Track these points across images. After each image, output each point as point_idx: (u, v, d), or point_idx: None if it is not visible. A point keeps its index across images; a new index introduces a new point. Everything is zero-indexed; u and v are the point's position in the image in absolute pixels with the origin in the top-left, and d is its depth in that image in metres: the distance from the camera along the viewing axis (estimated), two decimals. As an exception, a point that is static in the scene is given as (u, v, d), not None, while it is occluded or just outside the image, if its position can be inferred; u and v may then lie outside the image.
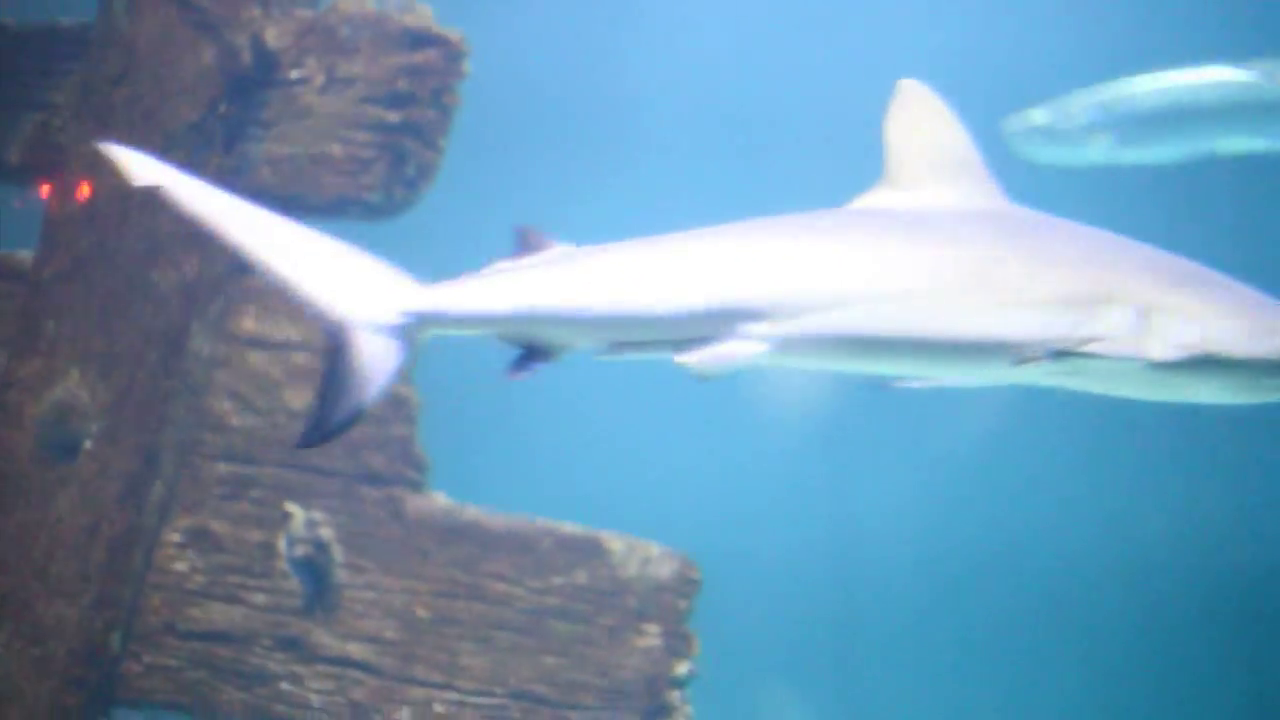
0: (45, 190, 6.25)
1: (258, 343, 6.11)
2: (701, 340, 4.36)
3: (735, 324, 4.35)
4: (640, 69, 11.92)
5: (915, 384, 4.66)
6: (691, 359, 4.34)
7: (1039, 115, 10.23)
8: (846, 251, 4.42)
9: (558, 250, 4.57)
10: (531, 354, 4.49)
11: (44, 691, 5.90)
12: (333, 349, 4.51)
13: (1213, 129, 9.66)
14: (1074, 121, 9.99)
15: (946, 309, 4.31)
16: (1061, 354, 4.23)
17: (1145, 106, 9.78)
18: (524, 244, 4.60)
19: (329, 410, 4.50)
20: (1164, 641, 10.55)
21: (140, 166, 4.64)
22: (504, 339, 4.52)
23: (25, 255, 6.28)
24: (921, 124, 4.68)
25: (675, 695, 5.78)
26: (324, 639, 5.95)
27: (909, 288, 4.33)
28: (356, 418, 4.53)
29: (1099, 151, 10.06)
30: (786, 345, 4.34)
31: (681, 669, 5.79)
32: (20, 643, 5.93)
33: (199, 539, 6.07)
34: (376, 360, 4.49)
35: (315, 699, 5.94)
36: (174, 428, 6.06)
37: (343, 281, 4.52)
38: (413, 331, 4.51)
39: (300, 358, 6.05)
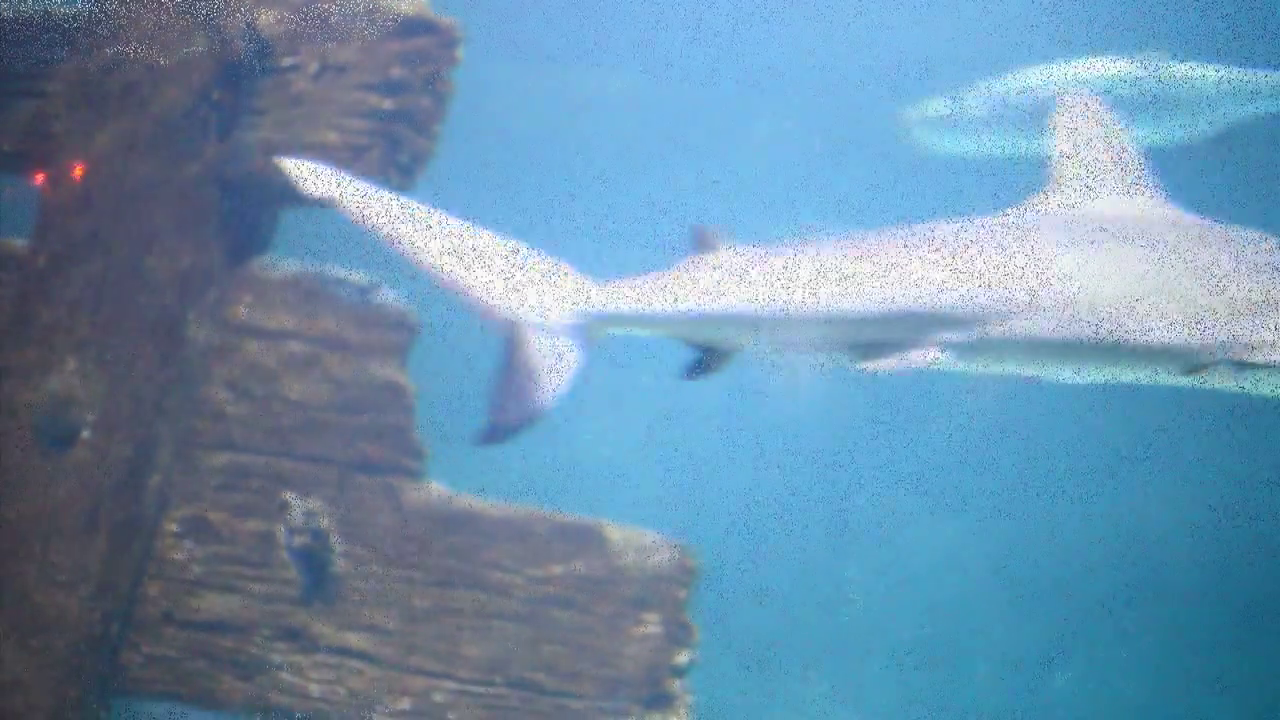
0: (39, 179, 6.21)
1: (254, 331, 6.09)
2: (885, 345, 4.29)
3: (924, 331, 4.29)
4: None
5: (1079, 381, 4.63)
6: (875, 365, 4.28)
7: (936, 105, 10.28)
8: (1034, 260, 4.38)
9: (736, 251, 4.49)
10: (707, 357, 4.42)
11: (44, 682, 5.90)
12: (509, 350, 4.45)
13: None
14: (970, 112, 10.03)
15: (1131, 316, 4.29)
16: (1242, 364, 4.22)
17: (1038, 97, 9.79)
18: (700, 243, 4.53)
19: (507, 412, 4.45)
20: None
21: (312, 177, 4.60)
22: (682, 340, 4.44)
23: (19, 244, 6.25)
24: (1088, 132, 4.66)
25: (676, 684, 5.77)
26: (323, 629, 5.94)
27: (1095, 295, 4.31)
28: (535, 419, 4.47)
29: (993, 142, 10.11)
30: (973, 351, 4.30)
31: (682, 658, 5.78)
32: (20, 634, 5.92)
33: (197, 529, 6.06)
34: (554, 361, 4.42)
35: (315, 689, 5.93)
36: (170, 417, 6.04)
37: (518, 282, 4.45)
38: (590, 332, 4.44)
39: (296, 346, 6.03)
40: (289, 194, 5.96)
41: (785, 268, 4.39)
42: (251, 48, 5.98)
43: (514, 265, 4.48)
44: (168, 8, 5.95)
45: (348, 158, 5.96)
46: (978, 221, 4.58)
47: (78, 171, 6.11)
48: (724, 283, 4.40)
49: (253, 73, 6.02)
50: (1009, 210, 4.70)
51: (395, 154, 5.98)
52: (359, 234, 5.83)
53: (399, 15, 5.94)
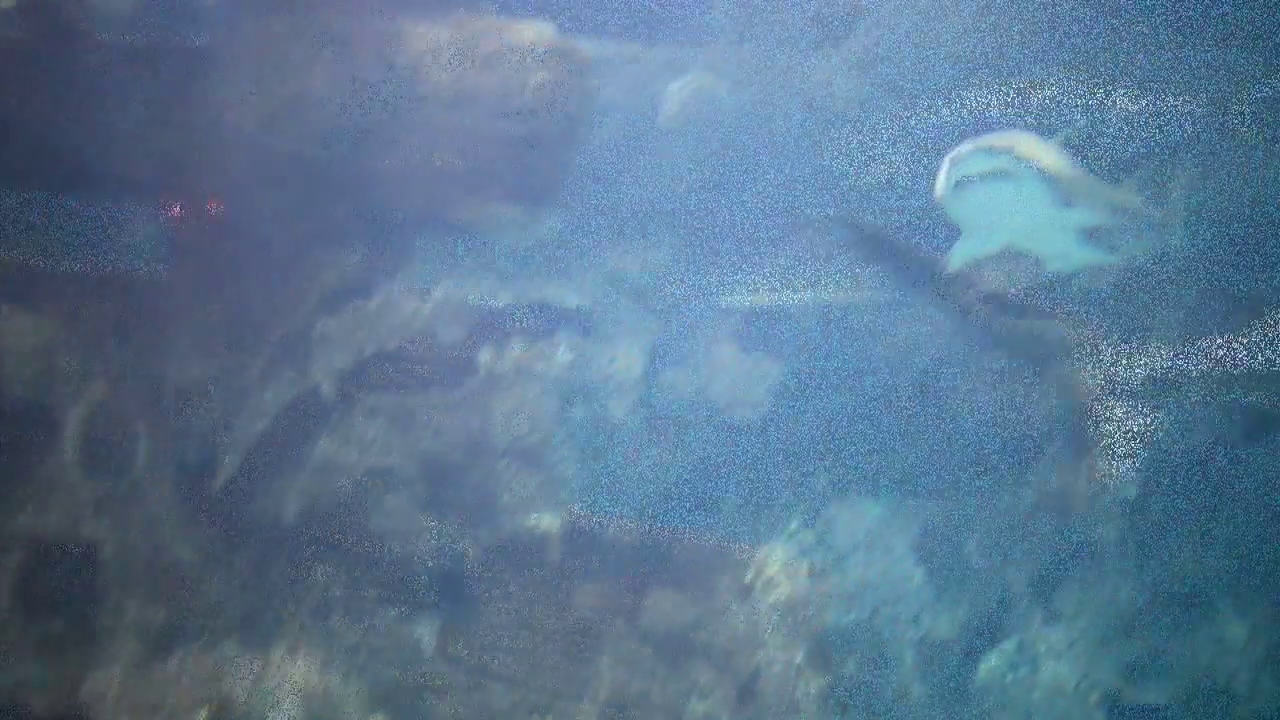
0: (175, 209, 6.32)
1: (389, 355, 6.14)
2: None
3: None
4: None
5: None
6: None
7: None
8: None
9: None
10: (1265, 421, 4.34)
11: (188, 698, 5.99)
12: (1081, 422, 4.42)
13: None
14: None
15: None
16: None
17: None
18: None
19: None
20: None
21: None
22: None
23: (154, 270, 6.34)
24: None
25: (810, 708, 5.76)
26: (460, 650, 5.98)
27: None
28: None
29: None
30: None
31: (818, 682, 5.77)
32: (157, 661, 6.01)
33: (333, 549, 6.12)
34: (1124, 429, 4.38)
35: (451, 709, 5.97)
36: (306, 440, 6.11)
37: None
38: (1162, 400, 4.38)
39: (432, 369, 6.07)
40: (421, 219, 6.04)
41: None
42: (385, 75, 6.05)
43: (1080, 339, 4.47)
44: (301, 43, 6.04)
45: (480, 183, 6.03)
46: None
47: (213, 200, 6.22)
48: None
49: (386, 100, 6.08)
50: None
51: (527, 180, 6.03)
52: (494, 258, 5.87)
53: (530, 45, 5.99)
